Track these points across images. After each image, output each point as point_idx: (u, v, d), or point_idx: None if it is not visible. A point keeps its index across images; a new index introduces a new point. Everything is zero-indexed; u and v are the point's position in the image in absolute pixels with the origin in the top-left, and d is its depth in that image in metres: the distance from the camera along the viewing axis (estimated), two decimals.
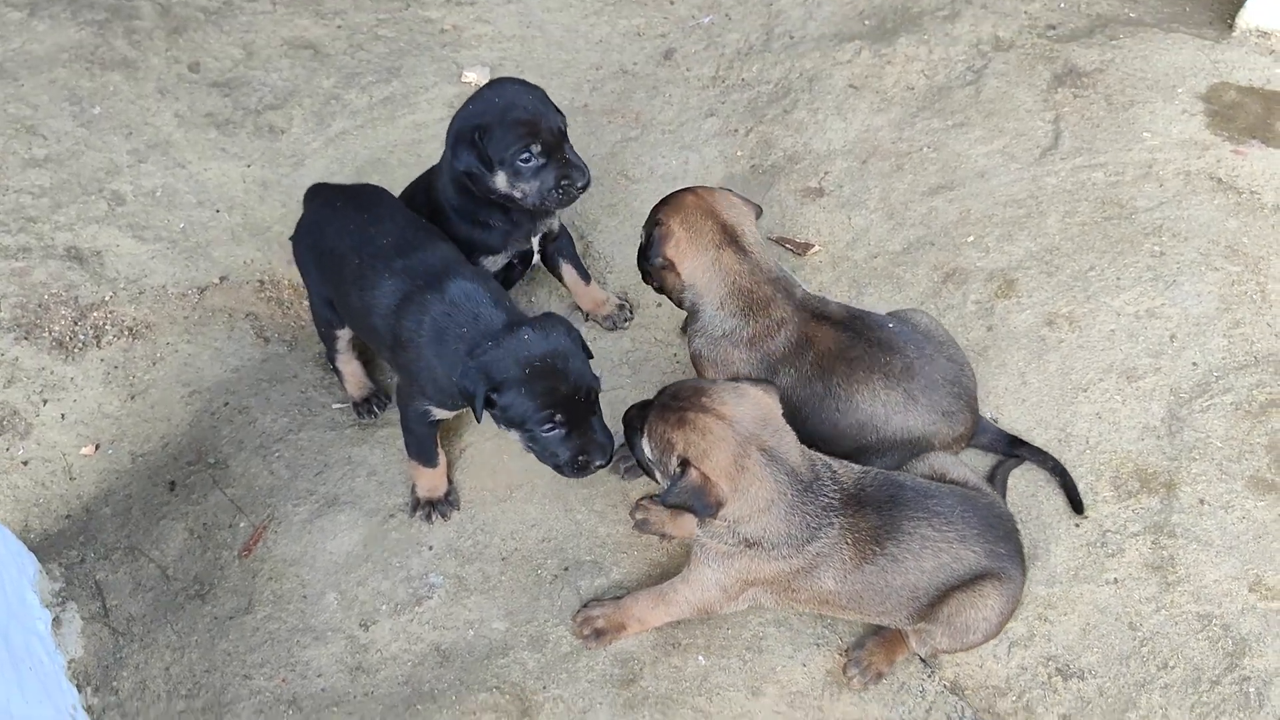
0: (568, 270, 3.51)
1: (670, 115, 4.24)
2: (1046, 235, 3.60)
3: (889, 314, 3.06)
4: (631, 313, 3.59)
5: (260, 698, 2.75)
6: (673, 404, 2.52)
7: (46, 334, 3.47)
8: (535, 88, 3.14)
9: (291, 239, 3.24)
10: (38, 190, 3.80)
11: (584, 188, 3.09)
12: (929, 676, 2.78)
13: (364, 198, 3.14)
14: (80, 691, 2.81)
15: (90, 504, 3.19)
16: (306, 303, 3.69)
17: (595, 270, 3.71)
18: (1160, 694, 2.69)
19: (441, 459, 3.05)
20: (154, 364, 3.46)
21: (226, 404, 3.36)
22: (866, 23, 4.47)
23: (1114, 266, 3.47)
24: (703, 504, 2.46)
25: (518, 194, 3.10)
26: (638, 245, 3.10)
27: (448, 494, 3.08)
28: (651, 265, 3.00)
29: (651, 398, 2.62)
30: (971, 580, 2.60)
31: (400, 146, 4.12)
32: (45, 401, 3.35)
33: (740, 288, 2.92)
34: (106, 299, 3.56)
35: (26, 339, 3.44)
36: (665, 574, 2.92)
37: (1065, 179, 3.76)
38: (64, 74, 4.19)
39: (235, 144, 4.09)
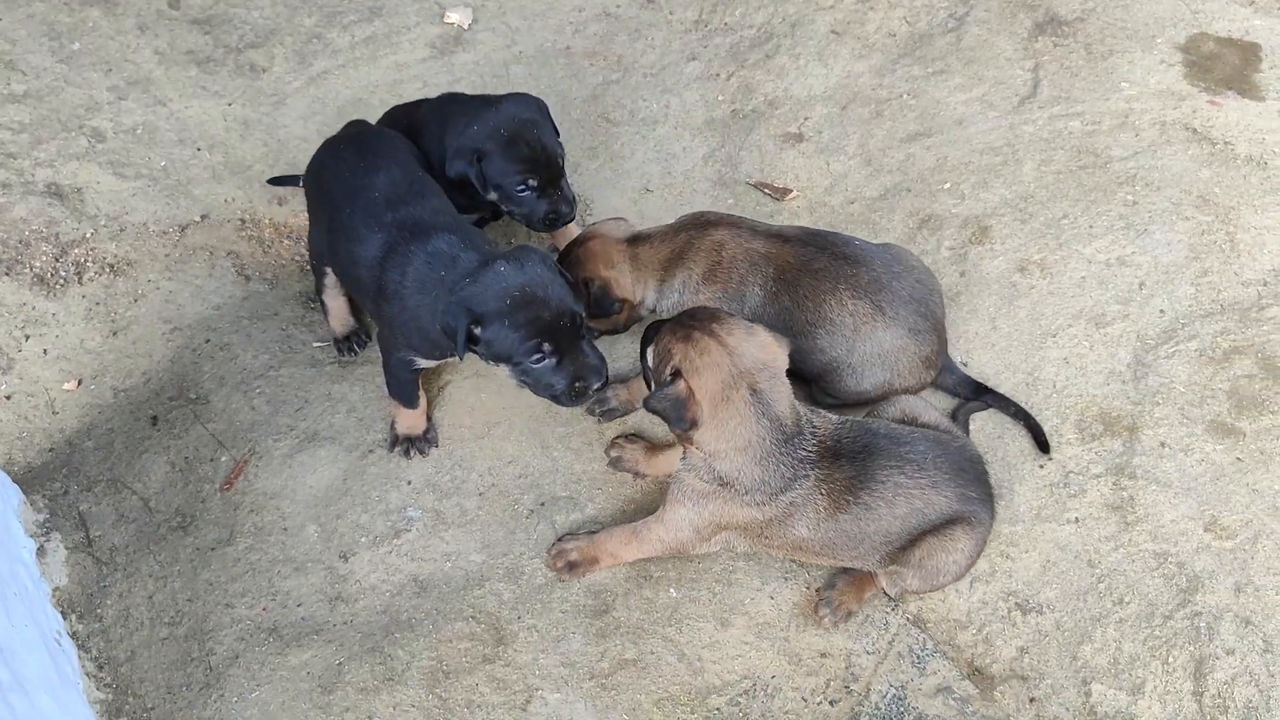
0: None
1: (652, 59, 4.24)
2: (1022, 183, 3.63)
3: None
4: None
5: (241, 626, 2.82)
6: (686, 320, 2.59)
7: (28, 270, 3.49)
8: (540, 110, 3.18)
9: (305, 172, 3.24)
10: (17, 126, 3.78)
11: (568, 222, 3.24)
12: (892, 610, 2.86)
13: (369, 144, 3.10)
14: (65, 618, 2.88)
15: (73, 438, 3.23)
16: (286, 241, 3.70)
17: (575, 212, 3.73)
18: (1115, 628, 2.79)
19: (421, 400, 3.09)
20: (135, 301, 3.48)
21: (208, 340, 3.39)
22: None
23: (1087, 215, 3.52)
24: (678, 416, 2.52)
25: (505, 208, 3.22)
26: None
27: (426, 431, 3.12)
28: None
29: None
30: (943, 524, 2.67)
31: (382, 87, 4.12)
32: (27, 337, 3.37)
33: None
34: (87, 236, 3.57)
35: (7, 275, 3.45)
36: (639, 509, 2.99)
37: (1042, 127, 3.79)
38: (42, 8, 4.15)
39: (216, 82, 4.07)
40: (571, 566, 2.85)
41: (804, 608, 2.85)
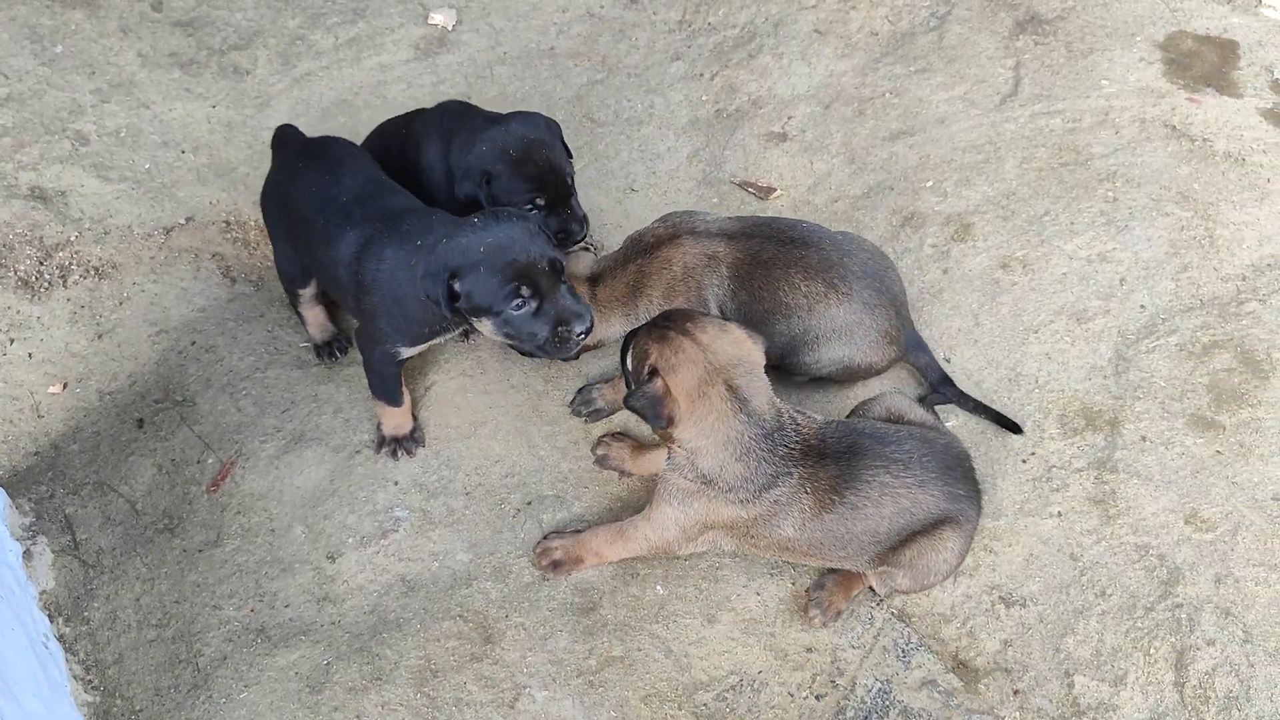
0: None
1: (636, 59, 4.25)
2: (1004, 180, 3.66)
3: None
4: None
5: (229, 627, 2.82)
6: (661, 322, 2.63)
7: (11, 274, 3.48)
8: (550, 129, 3.16)
9: (261, 198, 3.25)
10: (0, 129, 3.78)
11: (578, 240, 3.24)
12: (877, 604, 2.88)
13: (327, 155, 3.11)
14: (52, 621, 2.87)
15: (58, 441, 3.23)
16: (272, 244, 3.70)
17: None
18: (1097, 620, 2.81)
19: (406, 397, 3.10)
20: (120, 303, 3.48)
21: (193, 343, 3.39)
22: None
23: (1068, 211, 3.55)
24: (656, 413, 2.54)
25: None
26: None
27: (413, 431, 3.13)
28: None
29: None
30: (932, 525, 2.68)
31: (366, 88, 4.12)
32: (11, 341, 3.36)
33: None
34: (72, 239, 3.56)
35: None
36: (625, 508, 3.00)
37: (1024, 125, 3.82)
38: (24, 11, 4.14)
39: (200, 84, 4.07)
40: (556, 565, 2.86)
41: (790, 604, 2.87)
